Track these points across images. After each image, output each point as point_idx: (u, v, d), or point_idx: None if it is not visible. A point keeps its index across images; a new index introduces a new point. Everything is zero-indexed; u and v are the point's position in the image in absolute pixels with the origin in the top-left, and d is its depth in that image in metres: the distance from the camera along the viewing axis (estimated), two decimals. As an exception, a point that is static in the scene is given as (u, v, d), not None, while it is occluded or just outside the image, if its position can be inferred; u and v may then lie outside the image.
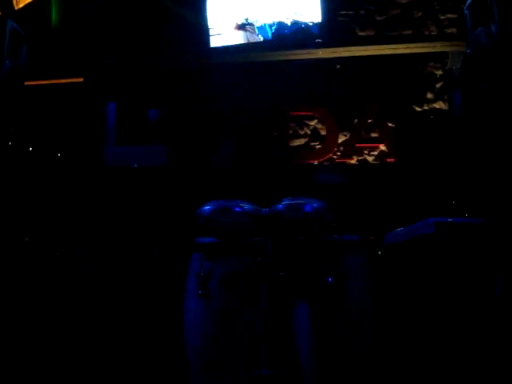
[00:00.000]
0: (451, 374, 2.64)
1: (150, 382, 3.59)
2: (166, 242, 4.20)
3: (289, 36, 5.76)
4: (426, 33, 6.10)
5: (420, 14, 6.13)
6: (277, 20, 5.80)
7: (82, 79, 6.25)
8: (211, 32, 5.95)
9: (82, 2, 6.22)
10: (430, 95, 6.03)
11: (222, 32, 5.96)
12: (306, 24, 5.75)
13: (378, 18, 6.20)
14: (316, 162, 6.07)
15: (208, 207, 3.04)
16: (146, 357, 3.65)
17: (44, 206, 4.45)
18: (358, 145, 6.06)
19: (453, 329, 2.67)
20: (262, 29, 5.80)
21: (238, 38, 5.94)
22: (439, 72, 6.05)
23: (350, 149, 6.07)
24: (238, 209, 2.98)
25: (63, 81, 6.19)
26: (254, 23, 5.85)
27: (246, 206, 2.99)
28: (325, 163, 6.03)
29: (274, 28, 5.79)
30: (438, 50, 5.95)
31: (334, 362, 2.89)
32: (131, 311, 3.84)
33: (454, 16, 6.05)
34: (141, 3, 6.29)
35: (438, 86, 6.03)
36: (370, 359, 2.93)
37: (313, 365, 2.92)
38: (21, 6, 5.95)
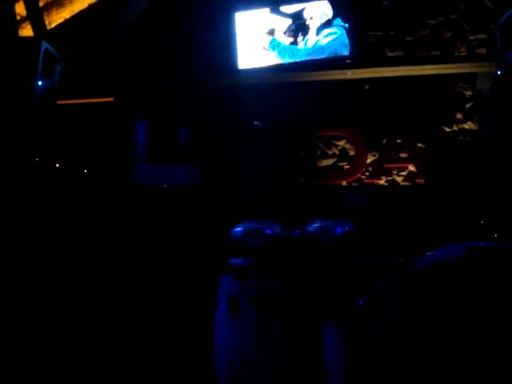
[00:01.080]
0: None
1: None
2: (196, 263, 4.20)
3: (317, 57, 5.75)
4: (456, 53, 6.08)
5: (449, 34, 6.11)
6: (305, 41, 5.80)
7: (112, 99, 6.33)
8: (239, 53, 5.97)
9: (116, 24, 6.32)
10: (459, 115, 5.99)
11: (250, 53, 5.97)
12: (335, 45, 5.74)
13: (406, 39, 6.20)
14: (344, 183, 6.06)
15: (239, 229, 3.05)
16: (176, 379, 3.63)
17: (68, 222, 4.48)
18: (386, 165, 6.04)
19: (483, 350, 2.64)
20: (290, 50, 5.80)
21: (266, 60, 5.94)
22: (469, 92, 6.02)
23: (378, 169, 6.05)
24: (268, 231, 2.98)
25: (94, 100, 6.28)
26: (282, 44, 5.85)
27: (277, 229, 2.99)
28: (353, 184, 6.02)
29: (302, 49, 5.78)
30: (467, 71, 5.92)
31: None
32: (160, 332, 3.84)
33: (484, 36, 6.03)
34: (170, 26, 6.37)
35: (467, 106, 6.00)
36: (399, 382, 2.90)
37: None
38: (53, 26, 6.07)
